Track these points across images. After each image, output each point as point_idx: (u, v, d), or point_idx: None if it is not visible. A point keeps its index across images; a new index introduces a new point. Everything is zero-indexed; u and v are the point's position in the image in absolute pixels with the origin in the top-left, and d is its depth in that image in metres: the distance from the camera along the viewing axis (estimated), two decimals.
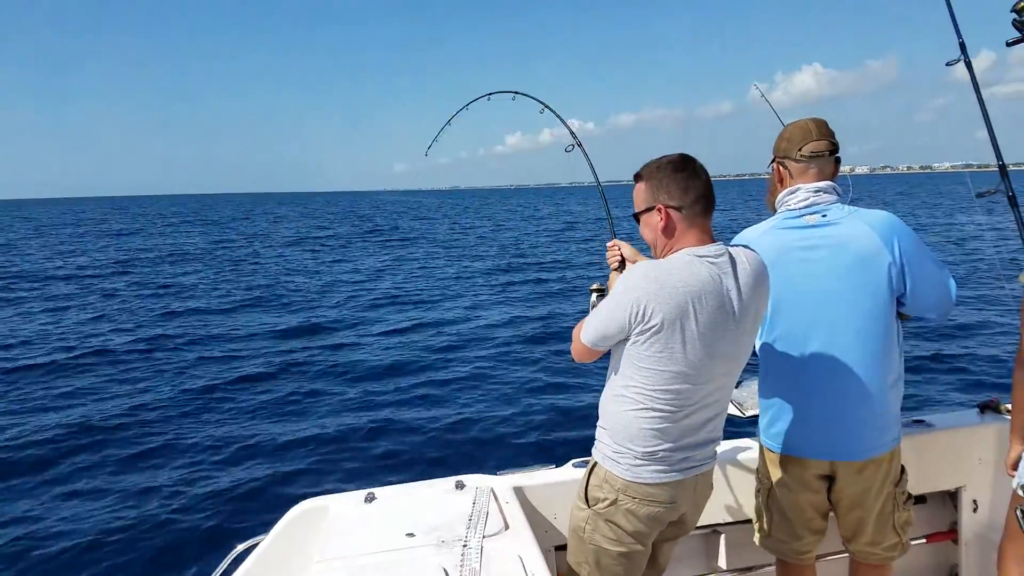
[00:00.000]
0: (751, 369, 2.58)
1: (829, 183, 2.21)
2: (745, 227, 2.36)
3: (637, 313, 1.80)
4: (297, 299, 17.19)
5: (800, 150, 2.22)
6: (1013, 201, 1.86)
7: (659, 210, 1.89)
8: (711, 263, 1.83)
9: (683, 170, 1.89)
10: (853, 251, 2.10)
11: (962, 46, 1.93)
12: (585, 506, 2.05)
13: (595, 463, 2.05)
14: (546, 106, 2.97)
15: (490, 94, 3.14)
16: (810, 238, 2.16)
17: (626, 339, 1.87)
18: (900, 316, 2.21)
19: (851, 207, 2.17)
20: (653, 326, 1.79)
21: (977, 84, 1.88)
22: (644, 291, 1.80)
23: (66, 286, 20.07)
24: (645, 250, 2.12)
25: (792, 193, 2.22)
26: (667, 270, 1.82)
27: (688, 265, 1.82)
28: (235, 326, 13.60)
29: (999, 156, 1.87)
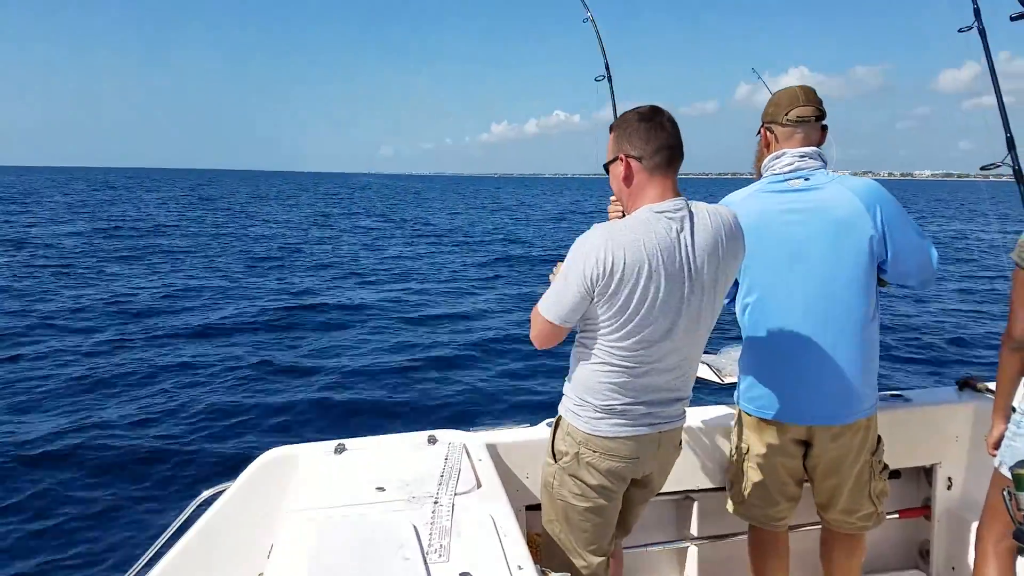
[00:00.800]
0: (732, 335, 2.54)
1: (814, 149, 2.23)
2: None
3: (597, 272, 1.76)
4: (280, 264, 17.11)
5: (787, 115, 2.23)
6: (1020, 176, 1.83)
7: (621, 159, 1.88)
8: (668, 218, 1.80)
9: (648, 120, 1.86)
10: (835, 216, 2.12)
11: (976, 12, 1.87)
12: (553, 461, 2.05)
13: (560, 416, 2.05)
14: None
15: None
16: (793, 202, 2.17)
17: (590, 301, 1.82)
18: (880, 283, 2.21)
19: (835, 173, 2.19)
20: (613, 282, 1.76)
21: (989, 52, 1.83)
22: (599, 246, 1.77)
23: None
24: None
25: (777, 158, 2.24)
26: (620, 228, 1.80)
27: (644, 222, 1.80)
28: (220, 287, 13.48)
29: (1007, 128, 1.83)
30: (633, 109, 1.92)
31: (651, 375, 1.89)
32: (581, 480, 1.98)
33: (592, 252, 1.77)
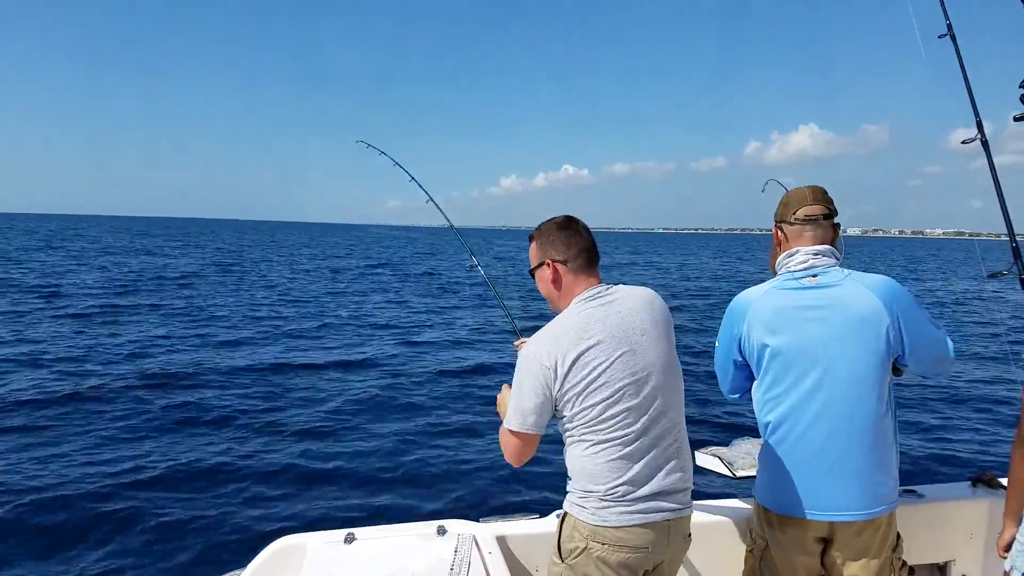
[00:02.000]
0: (743, 429, 2.52)
1: (828, 247, 2.26)
2: (746, 286, 2.40)
3: (548, 366, 1.93)
4: (285, 330, 17.04)
5: (795, 214, 2.30)
6: None
7: (548, 264, 2.11)
8: (594, 299, 2.04)
9: (567, 228, 2.13)
10: (852, 312, 2.14)
11: (979, 125, 1.93)
12: (559, 560, 2.04)
13: (565, 512, 2.07)
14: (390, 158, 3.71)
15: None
16: (809, 299, 2.20)
17: (556, 404, 1.96)
18: (896, 372, 2.24)
19: (849, 270, 2.21)
20: (566, 371, 1.92)
21: (993, 165, 1.88)
22: (541, 347, 1.96)
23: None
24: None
25: (791, 255, 2.28)
26: (553, 325, 2.01)
27: (572, 312, 2.03)
28: (220, 356, 13.42)
29: (1012, 237, 1.86)
30: (550, 220, 2.17)
31: (645, 442, 1.95)
32: None
33: (537, 357, 1.95)
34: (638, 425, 1.95)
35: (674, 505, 2.00)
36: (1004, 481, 2.76)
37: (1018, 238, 1.93)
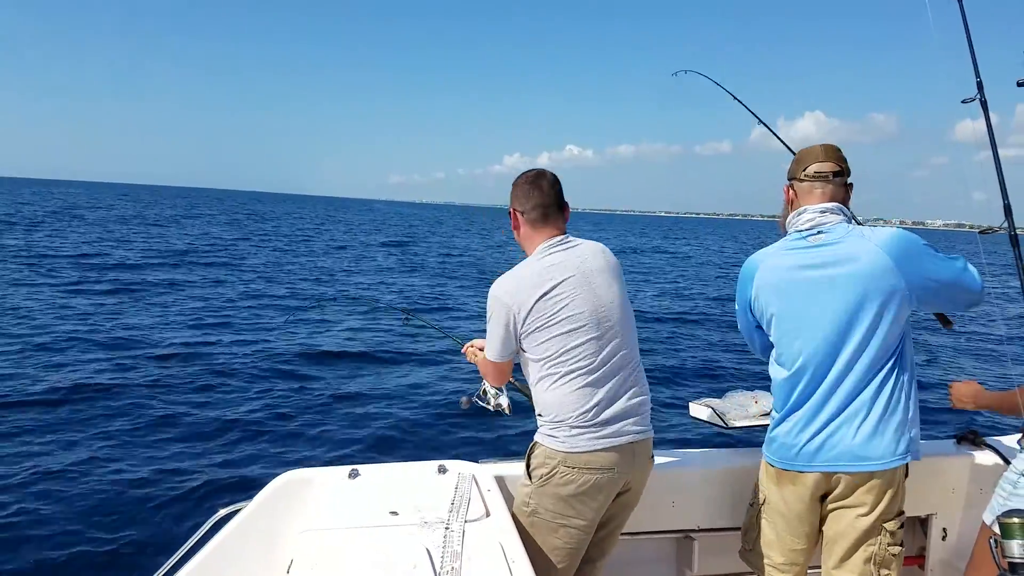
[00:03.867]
0: (736, 382, 2.59)
1: (837, 204, 2.23)
2: (751, 253, 2.40)
3: (512, 308, 2.17)
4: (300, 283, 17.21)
5: (805, 171, 2.27)
6: (1015, 240, 1.91)
7: (512, 212, 2.34)
8: (559, 246, 2.25)
9: (531, 183, 2.31)
10: (856, 268, 2.11)
11: (979, 85, 1.98)
12: (528, 481, 2.23)
13: (535, 442, 2.25)
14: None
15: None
16: (816, 257, 2.18)
17: (520, 339, 2.21)
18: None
19: (857, 226, 2.20)
20: (529, 309, 2.15)
21: (990, 124, 1.93)
22: (505, 291, 2.20)
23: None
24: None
25: (799, 214, 2.26)
26: (518, 270, 2.24)
27: (534, 257, 2.25)
28: (235, 310, 13.60)
29: (1005, 195, 1.92)
30: (526, 171, 2.37)
31: (608, 375, 2.16)
32: (559, 497, 2.14)
33: (500, 298, 2.20)
34: (600, 356, 2.17)
35: (637, 428, 2.21)
36: (988, 440, 2.86)
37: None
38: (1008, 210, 1.90)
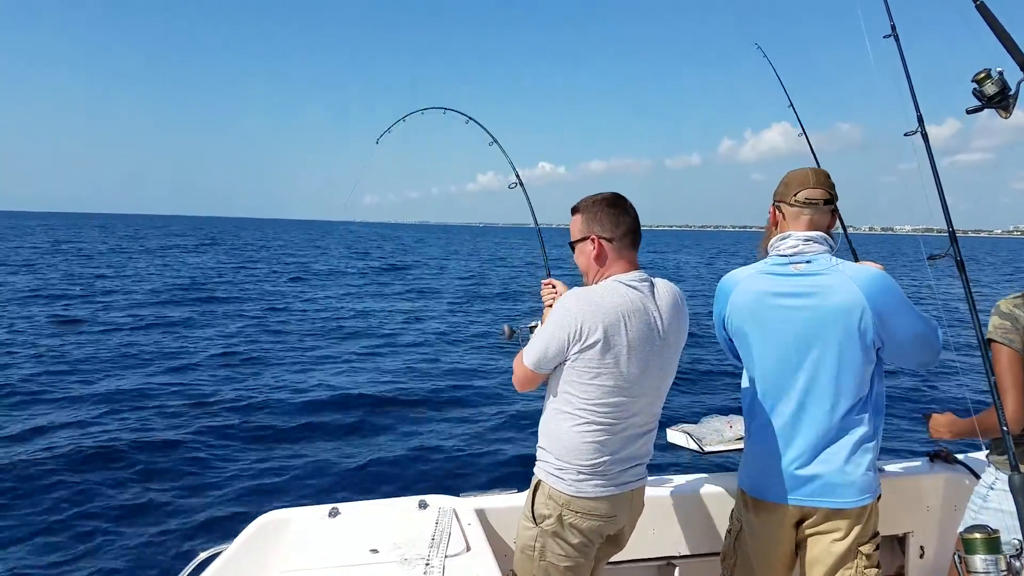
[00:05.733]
0: (715, 408, 2.65)
1: (821, 234, 2.23)
2: (728, 270, 2.41)
3: (575, 332, 1.99)
4: (267, 317, 17.05)
5: (795, 195, 2.25)
6: (961, 266, 2.00)
7: (592, 240, 2.13)
8: (635, 287, 2.08)
9: (615, 206, 2.14)
10: (832, 302, 2.11)
11: (920, 119, 2.08)
12: (532, 524, 2.16)
13: (539, 481, 2.17)
14: (473, 119, 3.34)
15: (424, 109, 3.44)
16: (793, 286, 2.18)
17: (564, 360, 2.05)
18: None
19: (838, 259, 2.19)
20: (590, 344, 1.99)
21: (932, 155, 2.03)
22: (580, 312, 2.00)
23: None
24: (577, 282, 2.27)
25: (783, 239, 2.25)
26: (598, 293, 2.05)
27: (615, 289, 2.06)
28: (203, 341, 13.41)
29: (949, 222, 2.01)
30: (599, 195, 2.18)
31: (627, 430, 2.09)
32: (564, 540, 2.11)
33: (569, 316, 2.01)
34: (628, 416, 2.09)
35: (637, 477, 2.18)
36: (960, 457, 2.93)
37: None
38: (953, 237, 1.99)
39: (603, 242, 2.12)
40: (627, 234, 2.13)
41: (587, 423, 2.05)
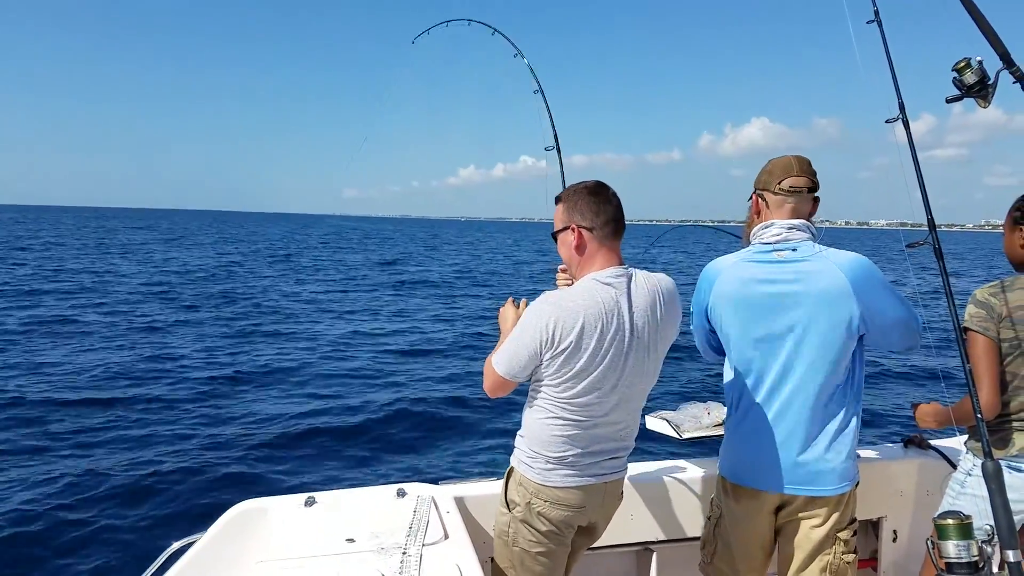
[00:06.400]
0: (694, 395, 2.65)
1: (803, 222, 2.24)
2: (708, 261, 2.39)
3: (548, 339, 1.94)
4: (249, 308, 16.93)
5: (779, 183, 2.25)
6: (939, 253, 2.02)
7: (573, 229, 2.06)
8: (610, 284, 2.00)
9: (597, 195, 2.06)
10: (816, 288, 2.12)
11: (901, 106, 2.08)
12: (506, 510, 2.17)
13: (512, 468, 2.18)
14: (498, 31, 3.19)
15: (448, 21, 3.27)
16: (776, 273, 2.18)
17: (539, 363, 2.00)
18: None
19: (821, 246, 2.20)
20: (562, 349, 1.94)
21: (913, 142, 2.04)
22: (549, 316, 1.95)
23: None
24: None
25: (766, 228, 2.25)
26: (568, 296, 2.00)
27: (587, 290, 2.00)
28: (184, 331, 13.27)
29: (928, 211, 2.02)
30: (581, 183, 2.12)
31: (599, 428, 2.06)
32: (534, 528, 2.11)
33: (542, 321, 1.95)
34: (602, 414, 2.05)
35: (612, 468, 2.14)
36: (934, 443, 2.98)
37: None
38: (932, 224, 2.00)
39: (583, 231, 2.05)
40: (608, 223, 2.05)
41: (557, 418, 2.03)
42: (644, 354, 2.04)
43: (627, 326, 1.99)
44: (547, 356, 1.96)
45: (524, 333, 1.99)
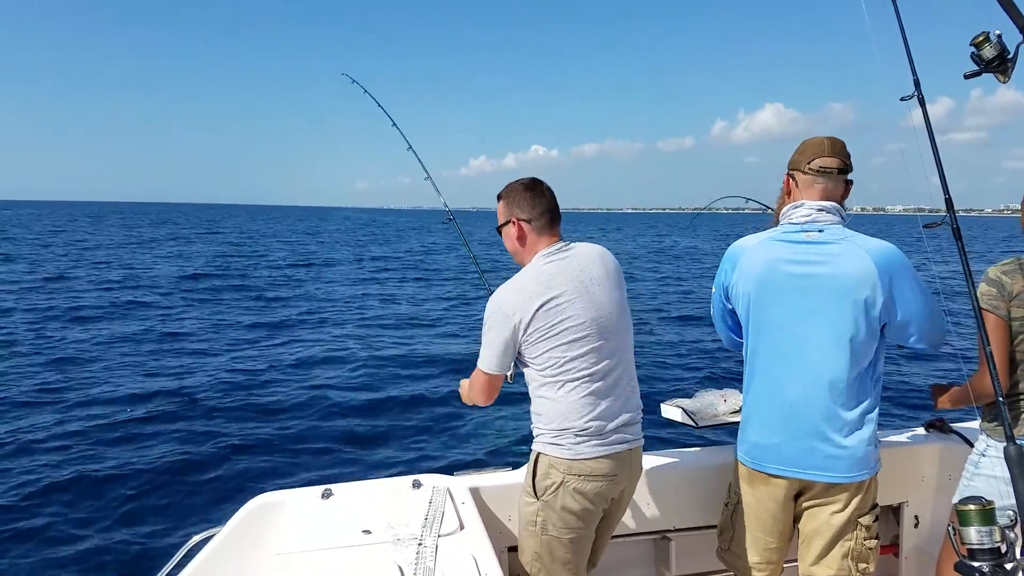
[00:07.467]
0: (706, 382, 2.62)
1: (834, 204, 2.20)
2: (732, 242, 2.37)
3: (517, 323, 2.13)
4: (271, 300, 17.07)
5: (809, 163, 2.21)
6: (957, 233, 1.97)
7: (514, 223, 2.28)
8: (558, 253, 2.22)
9: (531, 189, 2.28)
10: (843, 273, 2.09)
11: (916, 83, 2.04)
12: (534, 498, 2.19)
13: (538, 453, 2.21)
14: (396, 125, 3.76)
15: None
16: (804, 254, 2.15)
17: (520, 349, 2.17)
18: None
19: (851, 231, 2.16)
20: (531, 322, 2.12)
21: (928, 119, 1.99)
22: (510, 303, 2.14)
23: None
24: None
25: (796, 207, 2.22)
26: (516, 278, 2.21)
27: (532, 267, 2.22)
28: (202, 323, 13.40)
29: (946, 190, 1.97)
30: (517, 181, 2.32)
31: (609, 380, 2.16)
32: (567, 509, 2.14)
33: (504, 312, 2.14)
34: (602, 365, 2.16)
35: (632, 436, 2.22)
36: (955, 426, 2.94)
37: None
38: (949, 203, 1.96)
39: (523, 223, 2.26)
40: (544, 214, 2.26)
41: (568, 383, 2.14)
42: (608, 293, 2.21)
43: (585, 277, 2.19)
44: (522, 337, 2.14)
45: (491, 328, 2.18)
